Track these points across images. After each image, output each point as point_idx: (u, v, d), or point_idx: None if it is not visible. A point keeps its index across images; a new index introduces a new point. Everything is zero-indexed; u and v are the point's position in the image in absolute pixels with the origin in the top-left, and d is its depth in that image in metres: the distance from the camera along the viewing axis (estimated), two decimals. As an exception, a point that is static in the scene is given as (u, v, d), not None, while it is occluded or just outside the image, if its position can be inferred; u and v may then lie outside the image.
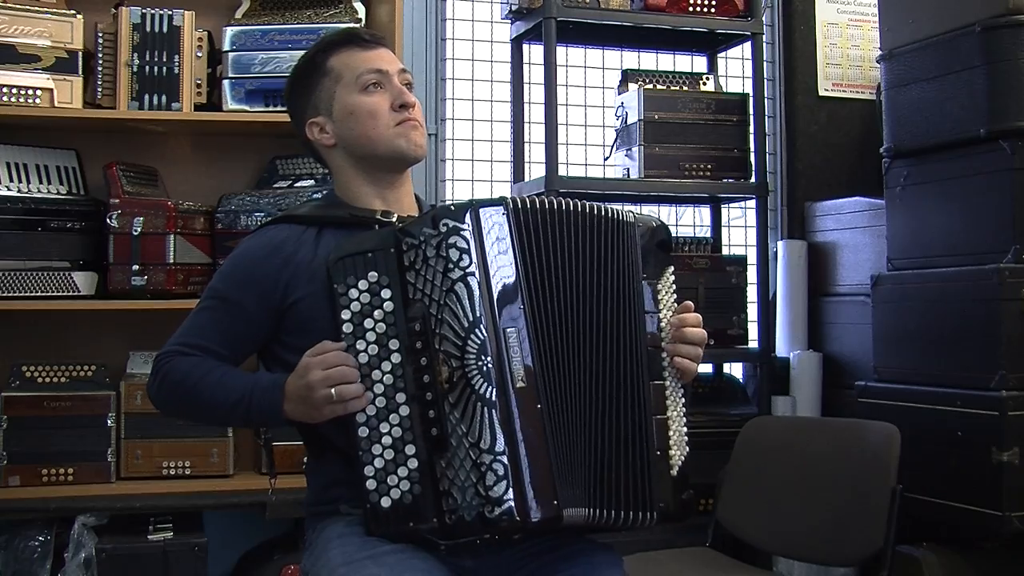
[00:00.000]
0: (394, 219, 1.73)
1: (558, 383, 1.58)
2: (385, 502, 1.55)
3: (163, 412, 1.78)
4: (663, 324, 1.70)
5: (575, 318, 1.62)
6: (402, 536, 1.56)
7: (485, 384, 1.51)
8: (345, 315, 1.58)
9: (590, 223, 1.66)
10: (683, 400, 1.71)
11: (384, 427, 1.56)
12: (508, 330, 1.54)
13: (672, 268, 1.75)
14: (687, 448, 1.69)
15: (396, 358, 1.57)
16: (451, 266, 1.53)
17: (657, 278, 1.71)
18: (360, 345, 1.57)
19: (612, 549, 1.72)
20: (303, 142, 1.85)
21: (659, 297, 1.71)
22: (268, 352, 1.77)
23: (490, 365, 1.52)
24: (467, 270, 1.53)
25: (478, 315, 1.52)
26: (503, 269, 1.57)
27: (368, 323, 1.58)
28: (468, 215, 1.56)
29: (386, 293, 1.58)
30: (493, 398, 1.51)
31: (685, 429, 1.71)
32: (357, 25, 2.83)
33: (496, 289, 1.55)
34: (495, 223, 1.58)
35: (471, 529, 1.51)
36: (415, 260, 1.57)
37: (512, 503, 1.48)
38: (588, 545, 1.71)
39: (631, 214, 1.71)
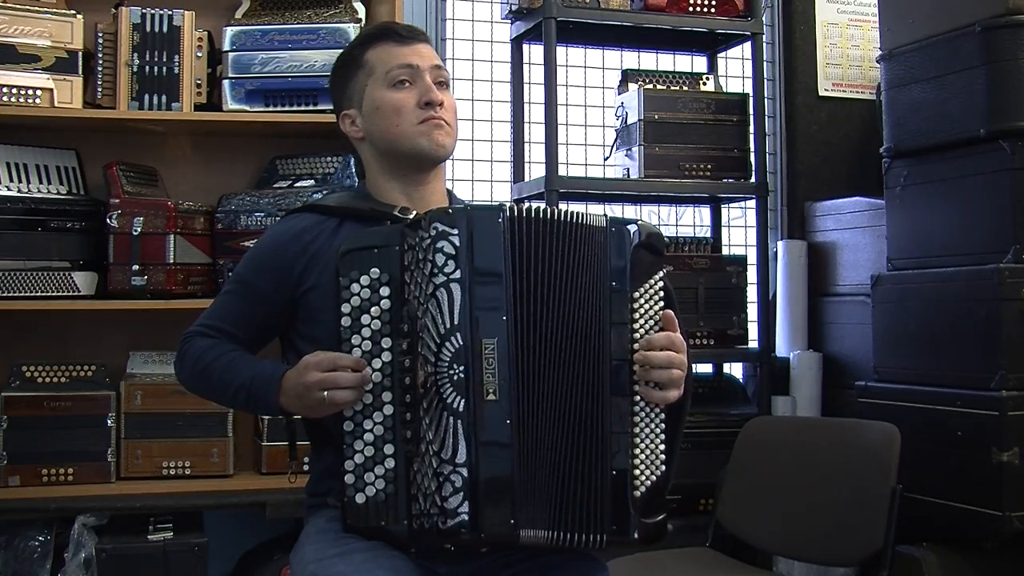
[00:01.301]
0: (410, 217, 1.70)
1: (530, 399, 1.54)
2: (360, 498, 1.55)
3: (186, 390, 1.82)
4: (637, 336, 1.61)
5: (551, 332, 1.57)
6: (375, 534, 1.56)
7: (454, 393, 1.49)
8: (345, 308, 1.58)
9: (567, 232, 1.60)
10: (661, 416, 1.62)
11: (368, 424, 1.56)
12: (487, 341, 1.51)
13: (661, 274, 1.65)
14: (664, 468, 1.61)
15: (387, 356, 1.57)
16: (435, 271, 1.51)
17: (635, 287, 1.62)
18: (355, 340, 1.58)
19: (595, 557, 1.67)
20: (341, 133, 1.88)
21: (635, 307, 1.62)
22: (286, 339, 1.80)
23: (462, 375, 1.49)
24: (451, 276, 1.51)
25: (456, 323, 1.50)
26: (491, 278, 1.53)
27: (365, 319, 1.58)
28: (461, 221, 1.53)
29: (384, 291, 1.58)
30: (460, 408, 1.49)
31: (663, 447, 1.62)
32: (355, 20, 2.83)
33: (480, 298, 1.51)
34: (489, 230, 1.54)
35: (430, 537, 1.50)
36: (411, 261, 1.56)
37: (466, 517, 1.46)
38: (568, 556, 1.65)
39: (605, 217, 1.63)
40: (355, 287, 1.58)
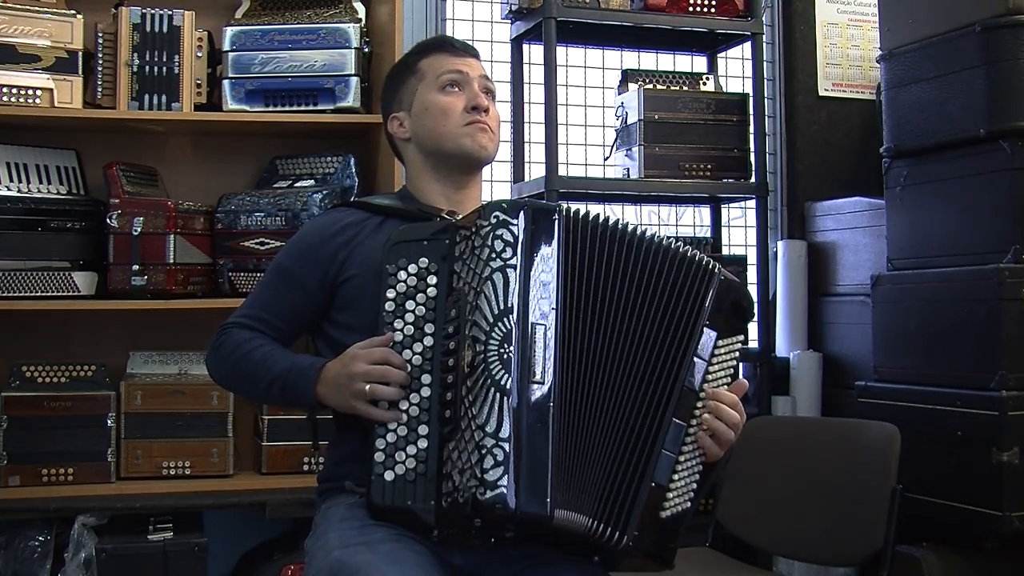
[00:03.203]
0: (458, 218, 1.74)
1: (578, 388, 1.59)
2: (388, 475, 1.58)
3: (215, 381, 1.85)
4: (711, 377, 1.67)
5: (613, 333, 1.62)
6: (399, 514, 1.58)
7: (502, 371, 1.53)
8: (390, 294, 1.63)
9: (639, 248, 1.65)
10: (702, 457, 1.66)
11: (403, 404, 1.60)
12: (537, 325, 1.55)
13: (741, 339, 1.72)
14: (689, 504, 1.65)
15: (428, 341, 1.62)
16: (493, 255, 1.57)
17: (721, 336, 1.68)
18: (398, 324, 1.63)
19: (598, 563, 1.70)
20: (386, 136, 1.97)
21: (717, 352, 1.68)
22: (317, 328, 1.84)
23: (511, 354, 1.53)
24: (508, 261, 1.56)
25: (510, 305, 1.55)
26: (544, 269, 1.58)
27: (410, 305, 1.63)
28: (521, 213, 1.59)
29: (432, 279, 1.63)
30: (507, 385, 1.52)
31: (695, 486, 1.66)
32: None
33: (533, 286, 1.57)
34: (546, 226, 1.60)
35: (462, 512, 1.52)
36: (464, 250, 1.61)
37: (504, 490, 1.48)
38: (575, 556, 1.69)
39: (713, 261, 1.70)
40: (402, 274, 1.64)
